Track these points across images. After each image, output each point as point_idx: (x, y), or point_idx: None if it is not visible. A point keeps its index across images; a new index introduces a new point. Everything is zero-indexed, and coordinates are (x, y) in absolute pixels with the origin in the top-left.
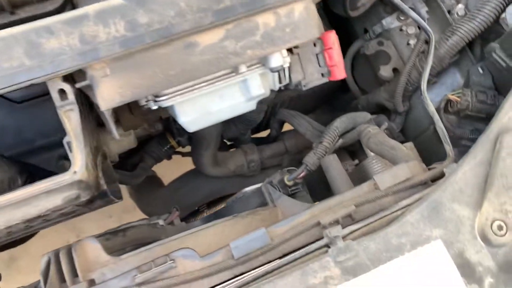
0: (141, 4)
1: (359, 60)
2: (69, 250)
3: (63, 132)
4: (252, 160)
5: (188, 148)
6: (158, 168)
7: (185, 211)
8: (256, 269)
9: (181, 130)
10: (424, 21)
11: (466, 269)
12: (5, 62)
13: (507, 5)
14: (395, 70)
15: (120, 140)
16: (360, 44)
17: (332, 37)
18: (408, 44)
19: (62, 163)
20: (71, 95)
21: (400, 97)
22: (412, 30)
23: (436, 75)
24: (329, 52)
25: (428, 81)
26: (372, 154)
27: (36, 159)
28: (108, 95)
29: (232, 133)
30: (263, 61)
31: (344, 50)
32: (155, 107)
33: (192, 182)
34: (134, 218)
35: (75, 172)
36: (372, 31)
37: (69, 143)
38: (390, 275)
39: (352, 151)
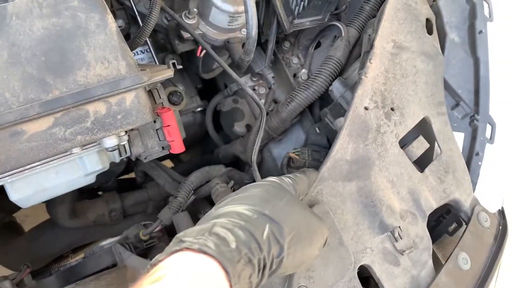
0: None
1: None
2: None
3: None
4: (114, 209)
5: None
6: (21, 210)
7: (44, 261)
8: None
9: None
10: (271, 84)
11: None
12: None
13: (334, 78)
14: (248, 126)
15: None
16: (219, 99)
17: (169, 116)
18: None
19: None
20: None
21: (250, 153)
22: (263, 90)
23: (282, 134)
24: (167, 128)
25: (274, 139)
26: None
27: None
28: None
29: (92, 183)
30: (99, 141)
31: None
32: None
33: (50, 232)
34: None
35: None
36: (230, 88)
37: None
38: None
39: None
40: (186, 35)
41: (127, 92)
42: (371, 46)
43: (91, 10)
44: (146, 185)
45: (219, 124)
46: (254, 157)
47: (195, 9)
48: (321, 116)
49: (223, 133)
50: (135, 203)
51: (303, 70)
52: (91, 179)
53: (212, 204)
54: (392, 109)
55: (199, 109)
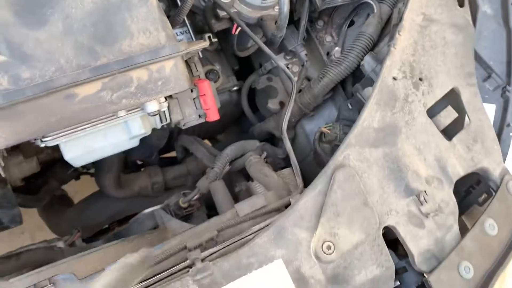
0: (24, 61)
1: (258, 90)
2: None
3: None
4: (156, 182)
5: None
6: (71, 186)
7: (93, 230)
8: None
9: None
10: (304, 62)
11: (301, 282)
12: None
13: (366, 53)
14: (281, 103)
15: (22, 165)
16: (254, 78)
17: (205, 86)
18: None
19: None
20: None
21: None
22: (296, 68)
23: (314, 110)
24: (204, 98)
25: (307, 115)
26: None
27: None
28: None
29: (135, 157)
30: (142, 106)
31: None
32: (42, 145)
33: (97, 203)
34: (47, 235)
35: None
36: (264, 67)
37: None
38: None
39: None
40: (222, 13)
41: (167, 60)
42: (400, 18)
43: None
44: (185, 160)
45: (254, 105)
46: (285, 126)
47: None
48: (353, 92)
49: (258, 113)
50: (176, 176)
51: (336, 48)
52: (135, 143)
53: (246, 177)
54: (421, 79)
55: (235, 88)
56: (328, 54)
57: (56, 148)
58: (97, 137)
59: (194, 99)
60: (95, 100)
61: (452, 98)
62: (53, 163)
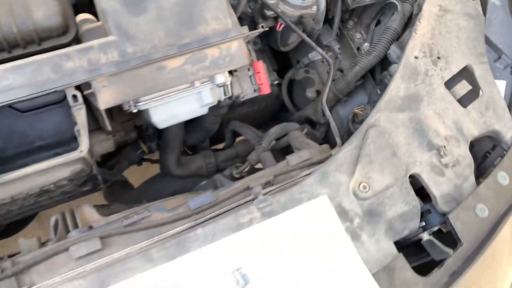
0: (129, 40)
1: (294, 85)
2: (71, 211)
3: (56, 136)
4: (209, 163)
5: (154, 156)
6: (129, 175)
7: None
8: (205, 217)
9: (152, 137)
10: (337, 54)
11: (343, 213)
12: (38, 76)
13: (392, 43)
14: (318, 91)
15: (102, 143)
16: (293, 72)
17: (260, 65)
18: (327, 72)
19: None
20: (80, 99)
21: (321, 112)
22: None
23: (347, 95)
24: (258, 75)
25: (341, 100)
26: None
27: (35, 157)
28: (106, 99)
29: (192, 140)
30: (211, 79)
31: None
32: (135, 110)
33: (159, 183)
34: None
35: (81, 151)
36: (302, 62)
37: (78, 131)
38: (293, 217)
39: (287, 153)
40: (269, 13)
41: (233, 41)
42: (420, 9)
43: None
44: (234, 145)
45: (291, 100)
46: (324, 99)
47: None
48: (381, 79)
49: (296, 108)
50: (226, 159)
51: (366, 44)
52: (204, 110)
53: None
54: (438, 58)
55: (276, 82)
56: (358, 49)
57: (128, 129)
58: (177, 104)
59: (250, 76)
60: (179, 71)
61: (466, 73)
62: (124, 145)
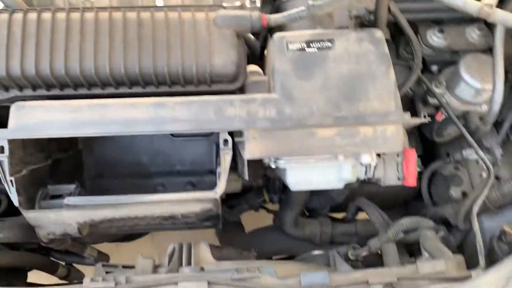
0: (289, 101)
1: (437, 177)
2: (189, 246)
3: (195, 165)
4: (325, 232)
5: (271, 206)
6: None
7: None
8: None
9: (276, 190)
10: (497, 159)
11: None
12: (201, 115)
13: None
14: (464, 193)
15: (232, 183)
16: (440, 165)
17: (411, 154)
18: (480, 175)
19: (188, 188)
20: (230, 144)
21: (463, 217)
22: None
23: (498, 207)
24: (407, 164)
25: (489, 209)
26: (426, 255)
27: (171, 180)
28: (253, 150)
29: (314, 204)
30: (357, 156)
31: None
32: (273, 166)
33: (271, 235)
34: None
35: (217, 192)
36: (453, 157)
37: (219, 173)
38: None
39: (411, 250)
40: (432, 100)
41: (391, 124)
42: None
43: (381, 63)
44: (355, 221)
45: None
46: (475, 210)
47: (444, 81)
48: None
49: (432, 202)
50: (344, 233)
51: None
52: (340, 185)
53: (410, 253)
54: None
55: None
56: None
57: (258, 177)
58: (315, 172)
59: (398, 163)
60: (328, 141)
61: None
62: (249, 190)
